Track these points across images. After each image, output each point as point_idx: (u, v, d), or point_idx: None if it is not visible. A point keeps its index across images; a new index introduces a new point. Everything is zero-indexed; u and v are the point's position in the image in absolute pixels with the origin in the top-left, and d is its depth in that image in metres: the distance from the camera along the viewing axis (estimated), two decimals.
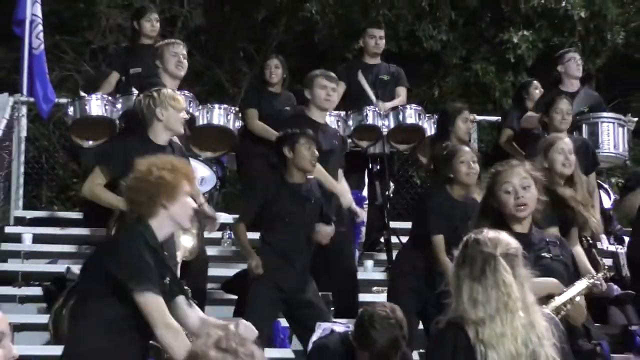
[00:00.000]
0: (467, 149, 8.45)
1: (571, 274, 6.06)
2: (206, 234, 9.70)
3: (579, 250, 7.57)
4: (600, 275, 6.18)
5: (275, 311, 8.18)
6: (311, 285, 8.11)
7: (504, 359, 4.43)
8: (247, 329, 5.25)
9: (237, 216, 11.38)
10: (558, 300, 5.63)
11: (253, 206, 8.37)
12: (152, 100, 7.59)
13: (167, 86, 8.52)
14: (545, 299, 5.83)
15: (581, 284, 5.89)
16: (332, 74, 9.58)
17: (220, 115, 10.31)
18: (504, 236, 4.78)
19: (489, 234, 4.74)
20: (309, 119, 9.19)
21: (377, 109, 10.55)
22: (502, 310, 4.51)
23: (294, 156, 8.11)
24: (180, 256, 7.19)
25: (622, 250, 9.19)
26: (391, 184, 10.58)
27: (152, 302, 5.06)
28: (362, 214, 9.24)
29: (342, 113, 10.64)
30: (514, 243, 4.68)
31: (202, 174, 9.74)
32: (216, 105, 10.43)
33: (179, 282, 5.69)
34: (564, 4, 17.29)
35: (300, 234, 8.13)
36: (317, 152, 8.23)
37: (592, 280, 6.12)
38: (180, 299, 5.50)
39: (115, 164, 7.34)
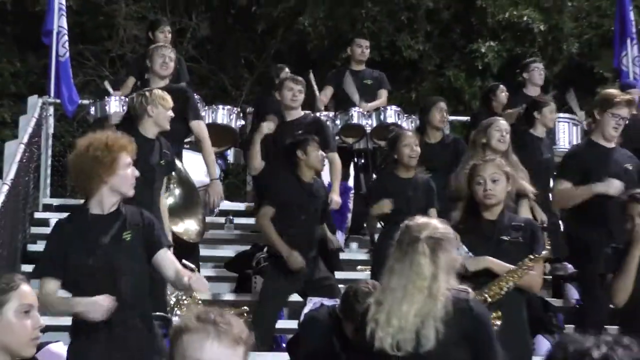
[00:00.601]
0: (410, 133, 8.46)
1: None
2: (211, 220, 9.70)
3: None
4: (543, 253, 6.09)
5: (285, 298, 8.14)
6: (322, 267, 8.03)
7: (389, 339, 4.43)
8: (199, 282, 5.23)
9: (238, 204, 11.36)
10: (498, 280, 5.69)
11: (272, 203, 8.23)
12: (144, 98, 7.54)
13: (153, 85, 8.46)
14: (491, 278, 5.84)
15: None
16: (299, 78, 9.48)
17: (224, 115, 10.28)
18: (434, 222, 4.79)
19: (421, 219, 4.78)
20: (285, 119, 9.23)
21: (360, 109, 10.56)
22: (402, 291, 4.54)
23: (307, 158, 8.04)
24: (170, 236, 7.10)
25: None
26: (374, 175, 10.49)
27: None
28: (337, 202, 9.12)
29: (331, 113, 10.65)
30: (442, 228, 4.64)
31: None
32: (220, 106, 10.41)
33: (157, 240, 5.48)
34: (525, 18, 17.29)
35: (312, 227, 8.08)
36: (323, 153, 8.29)
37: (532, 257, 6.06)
38: (161, 253, 5.40)
39: None
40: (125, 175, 5.37)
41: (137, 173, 5.49)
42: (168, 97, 7.62)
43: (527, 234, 6.06)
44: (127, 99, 9.82)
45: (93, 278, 5.23)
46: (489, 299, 5.57)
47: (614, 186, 7.29)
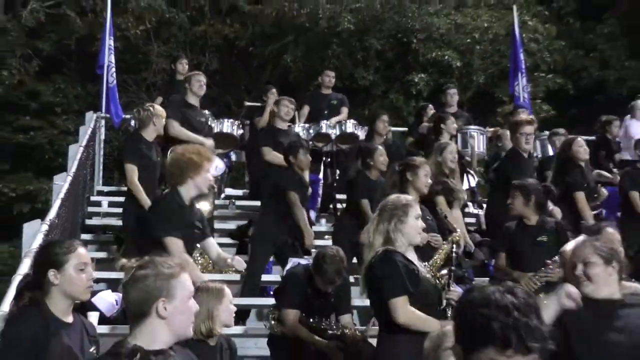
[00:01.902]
0: (382, 148, 8.28)
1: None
2: (219, 202, 9.66)
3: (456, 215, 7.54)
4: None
5: (268, 257, 8.00)
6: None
7: None
8: (239, 262, 5.50)
9: (238, 191, 11.31)
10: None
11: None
12: (150, 112, 7.52)
13: (191, 102, 8.41)
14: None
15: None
16: (291, 99, 9.51)
17: (228, 126, 10.18)
18: (402, 196, 4.73)
19: (395, 195, 4.80)
20: (277, 128, 9.19)
21: (329, 122, 10.49)
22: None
23: (296, 161, 7.96)
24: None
25: (481, 212, 9.13)
26: (337, 170, 10.48)
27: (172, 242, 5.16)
28: None
29: (307, 125, 10.52)
30: (400, 201, 4.57)
31: (218, 163, 9.60)
32: (226, 120, 10.29)
33: (207, 227, 5.69)
34: (446, 57, 17.29)
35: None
36: (309, 157, 8.14)
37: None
38: (209, 239, 5.61)
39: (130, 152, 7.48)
40: (206, 177, 5.45)
41: (212, 178, 5.62)
42: (164, 112, 7.72)
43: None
44: None
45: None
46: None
47: None
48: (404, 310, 4.34)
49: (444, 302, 4.67)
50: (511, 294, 2.07)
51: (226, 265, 5.74)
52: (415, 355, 3.91)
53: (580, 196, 7.77)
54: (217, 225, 9.39)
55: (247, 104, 11.53)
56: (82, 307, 5.02)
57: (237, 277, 7.61)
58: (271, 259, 8.30)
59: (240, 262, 5.51)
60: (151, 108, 7.60)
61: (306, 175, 8.44)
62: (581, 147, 8.14)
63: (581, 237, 4.07)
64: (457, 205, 7.66)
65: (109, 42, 12.27)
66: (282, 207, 7.83)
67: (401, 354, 4.41)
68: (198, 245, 5.66)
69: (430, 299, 4.51)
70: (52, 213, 6.31)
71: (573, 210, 7.63)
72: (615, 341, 3.56)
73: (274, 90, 10.45)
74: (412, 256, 4.57)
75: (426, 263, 5.47)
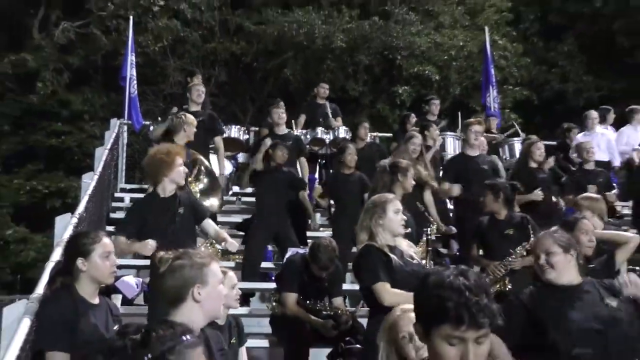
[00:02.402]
0: (351, 146, 8.37)
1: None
2: (227, 198, 9.62)
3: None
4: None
5: (266, 244, 7.96)
6: (290, 227, 7.81)
7: None
8: (231, 244, 5.49)
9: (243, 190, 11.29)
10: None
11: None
12: (182, 120, 7.40)
13: (192, 109, 8.38)
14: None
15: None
16: (280, 104, 9.57)
17: (235, 132, 10.20)
18: (382, 195, 4.77)
19: (377, 195, 4.82)
20: (277, 133, 9.11)
21: (332, 124, 10.61)
22: None
23: (274, 154, 7.98)
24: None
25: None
26: (330, 170, 10.47)
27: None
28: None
29: (304, 131, 10.52)
30: (379, 199, 4.60)
31: (226, 164, 9.60)
32: (233, 126, 10.32)
33: (202, 211, 5.62)
34: (427, 72, 17.31)
35: (284, 199, 7.89)
36: (286, 153, 8.08)
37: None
38: (206, 220, 5.55)
39: None
40: (179, 171, 5.38)
41: (185, 169, 5.51)
42: (194, 120, 7.56)
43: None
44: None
45: (159, 231, 5.18)
46: None
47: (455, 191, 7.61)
48: (386, 293, 4.34)
49: None
50: (463, 277, 2.06)
51: (223, 241, 5.60)
52: None
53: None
54: (225, 218, 9.39)
55: (252, 128, 11.43)
56: (107, 290, 5.04)
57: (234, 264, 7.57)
58: (271, 248, 8.31)
59: (232, 244, 5.50)
60: (183, 116, 7.49)
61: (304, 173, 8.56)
62: (537, 149, 8.10)
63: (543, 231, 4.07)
64: (428, 189, 7.67)
65: (131, 57, 12.24)
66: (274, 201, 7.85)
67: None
68: (199, 228, 5.59)
69: (409, 287, 4.51)
70: (81, 207, 6.30)
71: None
72: (575, 319, 3.57)
73: (281, 103, 10.24)
74: (402, 244, 4.57)
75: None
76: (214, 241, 6.42)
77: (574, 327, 3.55)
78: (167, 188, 5.36)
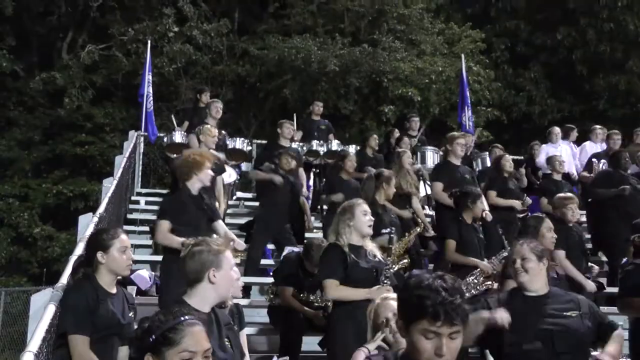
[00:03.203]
0: (352, 154, 8.47)
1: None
2: (232, 202, 9.58)
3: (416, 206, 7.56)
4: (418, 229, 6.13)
5: (266, 242, 7.94)
6: (289, 229, 7.81)
7: None
8: (239, 243, 5.47)
9: (247, 194, 11.23)
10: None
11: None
12: (201, 130, 7.48)
13: (210, 124, 8.35)
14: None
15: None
16: (292, 122, 9.67)
17: (240, 143, 10.13)
18: (352, 200, 4.78)
19: (347, 202, 4.81)
20: (280, 144, 9.09)
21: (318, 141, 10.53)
22: None
23: (280, 162, 7.97)
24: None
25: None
26: (324, 179, 10.46)
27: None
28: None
29: (300, 143, 10.50)
30: (349, 204, 4.65)
31: (231, 172, 9.60)
32: (238, 138, 10.25)
33: (216, 214, 5.60)
34: (409, 93, 17.31)
35: (286, 203, 7.88)
36: (292, 162, 8.10)
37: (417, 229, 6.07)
38: (218, 221, 5.55)
39: None
40: (208, 173, 5.44)
41: (212, 173, 5.60)
42: (215, 131, 7.57)
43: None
44: (184, 133, 9.76)
45: (191, 224, 5.14)
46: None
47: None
48: (331, 288, 4.45)
49: (382, 283, 4.59)
50: (441, 280, 2.09)
51: (231, 241, 5.46)
52: (348, 319, 4.33)
53: (492, 194, 7.82)
54: (230, 220, 9.36)
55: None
56: (123, 282, 5.01)
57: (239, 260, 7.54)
58: (271, 247, 8.28)
59: (240, 244, 5.51)
60: (204, 127, 7.61)
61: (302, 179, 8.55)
62: (507, 162, 8.19)
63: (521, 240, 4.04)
64: (416, 199, 7.69)
65: (148, 77, 12.24)
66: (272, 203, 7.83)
67: (337, 321, 4.54)
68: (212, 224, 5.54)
69: (364, 281, 4.49)
70: (101, 208, 6.28)
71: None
72: (543, 327, 3.56)
73: (289, 123, 10.16)
74: (368, 245, 4.61)
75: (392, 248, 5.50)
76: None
77: (529, 329, 3.53)
78: (195, 186, 5.37)
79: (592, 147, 10.32)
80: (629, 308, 5.03)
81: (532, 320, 3.55)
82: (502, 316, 3.42)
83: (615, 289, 5.96)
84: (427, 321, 2.04)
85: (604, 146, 9.99)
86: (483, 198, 6.89)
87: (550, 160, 8.85)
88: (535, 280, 3.69)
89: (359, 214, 4.57)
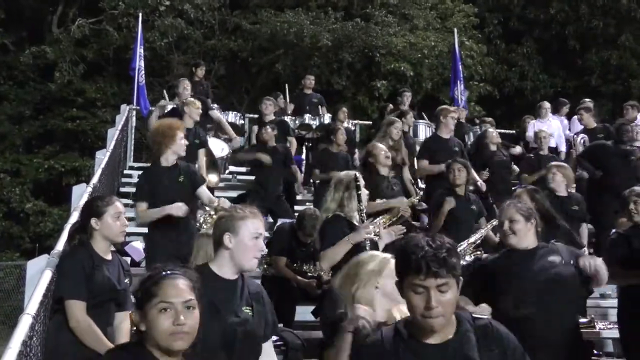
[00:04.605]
0: (342, 127, 8.43)
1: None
2: (223, 176, 9.60)
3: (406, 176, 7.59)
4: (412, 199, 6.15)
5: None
6: (283, 200, 7.85)
7: None
8: (224, 201, 5.22)
9: (240, 168, 11.25)
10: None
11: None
12: (186, 102, 7.47)
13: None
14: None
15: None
16: (270, 97, 9.65)
17: (232, 117, 10.22)
18: (351, 172, 4.75)
19: (344, 172, 4.80)
20: (262, 121, 9.12)
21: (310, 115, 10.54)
22: None
23: (261, 138, 8.12)
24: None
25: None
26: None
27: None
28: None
29: (293, 117, 10.49)
30: (350, 176, 4.57)
31: (223, 146, 9.62)
32: (230, 112, 10.29)
33: (198, 180, 5.47)
34: (402, 68, 17.27)
35: (279, 173, 7.89)
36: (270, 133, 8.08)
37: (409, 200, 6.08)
38: (201, 187, 5.41)
39: None
40: (181, 143, 5.33)
41: (186, 142, 5.46)
42: (198, 103, 7.52)
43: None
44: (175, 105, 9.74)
45: (167, 197, 5.17)
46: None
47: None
48: (327, 259, 4.40)
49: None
50: (430, 238, 2.15)
51: (214, 203, 5.39)
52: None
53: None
54: (223, 194, 9.35)
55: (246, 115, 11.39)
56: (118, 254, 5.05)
57: None
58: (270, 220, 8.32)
59: (225, 201, 5.31)
60: (184, 100, 7.56)
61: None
62: (492, 133, 8.38)
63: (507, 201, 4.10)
64: (406, 169, 7.72)
65: (140, 50, 12.13)
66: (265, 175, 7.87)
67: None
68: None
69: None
70: (95, 179, 6.31)
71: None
72: (532, 278, 3.63)
73: (281, 96, 10.10)
74: (356, 219, 4.57)
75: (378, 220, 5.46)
76: (212, 213, 6.45)
77: (520, 289, 3.61)
78: (169, 158, 5.34)
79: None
80: (614, 277, 5.11)
81: (525, 276, 3.63)
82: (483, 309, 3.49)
83: None
84: (413, 275, 2.11)
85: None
86: (472, 171, 6.95)
87: (535, 135, 8.94)
88: (524, 239, 3.77)
89: (361, 188, 4.56)
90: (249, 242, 2.94)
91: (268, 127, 8.10)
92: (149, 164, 6.21)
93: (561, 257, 3.71)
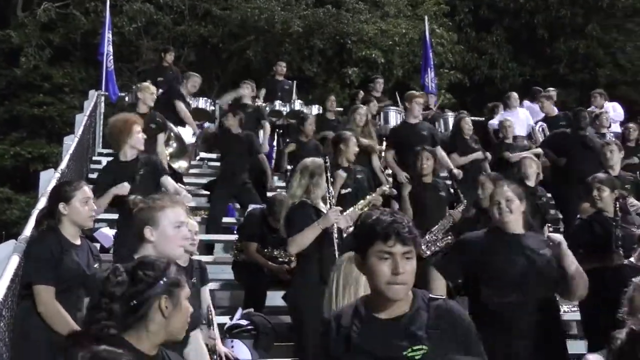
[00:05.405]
0: (311, 117, 8.64)
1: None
2: (193, 163, 9.52)
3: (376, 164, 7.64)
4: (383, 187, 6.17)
5: (226, 200, 7.92)
6: (250, 186, 7.75)
7: None
8: (186, 196, 5.19)
9: (210, 155, 11.18)
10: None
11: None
12: (139, 87, 7.42)
13: (184, 93, 8.71)
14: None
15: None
16: (247, 82, 9.57)
17: (203, 103, 10.14)
18: (317, 159, 4.69)
19: (310, 158, 4.76)
20: (244, 103, 9.08)
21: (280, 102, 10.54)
22: None
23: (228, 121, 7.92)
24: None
25: None
26: (287, 139, 10.46)
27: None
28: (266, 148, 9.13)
29: (264, 104, 10.41)
30: (317, 162, 4.56)
31: (195, 131, 9.54)
32: (201, 98, 10.21)
33: (160, 170, 5.38)
34: (373, 55, 17.30)
35: (243, 159, 7.82)
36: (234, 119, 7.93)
37: (383, 188, 6.11)
38: (164, 177, 5.31)
39: None
40: (138, 137, 5.26)
41: (144, 135, 5.36)
42: (152, 88, 7.39)
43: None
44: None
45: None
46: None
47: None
48: (296, 245, 4.39)
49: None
50: (389, 213, 2.23)
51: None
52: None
53: (455, 156, 8.12)
54: (194, 180, 9.38)
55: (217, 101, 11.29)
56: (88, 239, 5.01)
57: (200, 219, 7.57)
58: (235, 205, 8.32)
59: (187, 197, 5.34)
60: (138, 85, 7.59)
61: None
62: (466, 124, 8.57)
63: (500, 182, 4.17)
64: (374, 155, 7.77)
65: (108, 35, 12.00)
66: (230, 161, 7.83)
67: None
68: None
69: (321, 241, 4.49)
70: (63, 164, 6.25)
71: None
72: (519, 262, 3.71)
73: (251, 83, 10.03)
74: (322, 205, 4.59)
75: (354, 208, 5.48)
76: None
77: (503, 275, 3.68)
78: (127, 153, 5.24)
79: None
80: (579, 262, 5.23)
81: (514, 262, 3.71)
82: None
83: None
84: (380, 242, 2.16)
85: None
86: (444, 155, 7.06)
87: (500, 125, 9.10)
88: (519, 221, 3.84)
89: (325, 175, 4.55)
90: (170, 232, 2.88)
91: (231, 113, 8.03)
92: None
93: (544, 244, 3.81)
